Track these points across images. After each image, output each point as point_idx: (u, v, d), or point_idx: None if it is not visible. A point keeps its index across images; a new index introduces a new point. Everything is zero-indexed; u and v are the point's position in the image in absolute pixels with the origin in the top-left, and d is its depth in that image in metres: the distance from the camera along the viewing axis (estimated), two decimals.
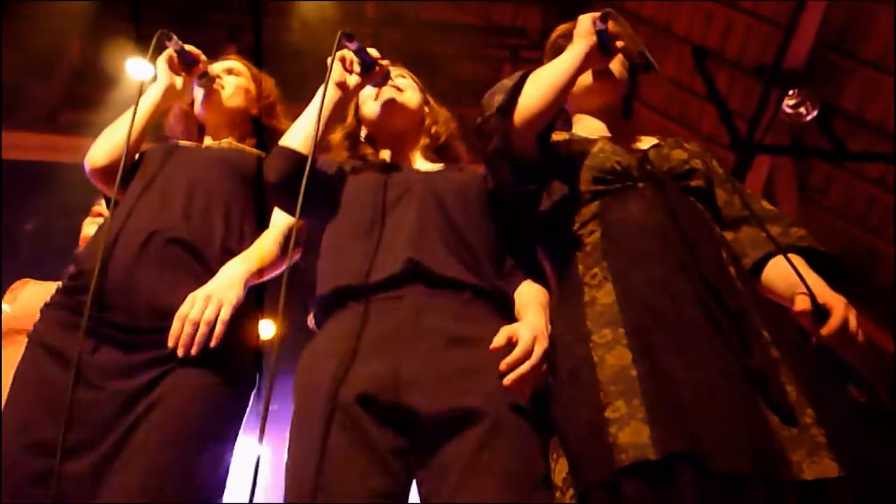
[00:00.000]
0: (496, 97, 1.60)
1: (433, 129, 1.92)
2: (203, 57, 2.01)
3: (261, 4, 5.18)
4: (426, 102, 1.98)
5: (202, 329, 1.56)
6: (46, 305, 1.69)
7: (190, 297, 1.60)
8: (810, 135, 4.62)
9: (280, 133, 1.84)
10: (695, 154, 1.69)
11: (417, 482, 1.41)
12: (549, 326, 1.53)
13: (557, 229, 1.66)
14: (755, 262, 1.62)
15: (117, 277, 1.62)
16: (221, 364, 1.60)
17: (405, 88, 1.89)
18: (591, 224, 1.60)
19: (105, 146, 1.87)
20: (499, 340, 1.43)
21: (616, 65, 1.77)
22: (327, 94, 1.71)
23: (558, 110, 1.63)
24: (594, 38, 1.61)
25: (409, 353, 1.46)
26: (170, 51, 1.95)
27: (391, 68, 1.88)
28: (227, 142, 2.03)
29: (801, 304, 1.46)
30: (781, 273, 1.55)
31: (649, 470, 1.21)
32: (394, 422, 1.41)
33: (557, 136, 1.74)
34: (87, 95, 5.36)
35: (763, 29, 4.69)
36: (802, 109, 4.34)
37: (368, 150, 1.93)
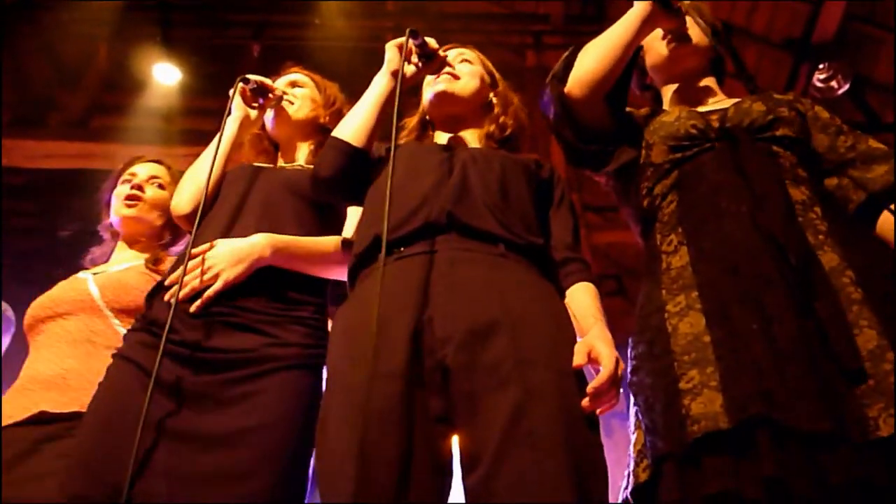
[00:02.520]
0: (555, 67, 1.64)
1: (501, 119, 1.89)
2: (273, 84, 2.05)
3: None
4: (493, 87, 1.95)
5: (188, 289, 1.64)
6: (130, 331, 1.72)
7: (206, 254, 1.68)
8: (843, 107, 4.52)
9: None
10: (782, 102, 1.64)
11: (458, 446, 1.36)
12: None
13: (641, 206, 1.65)
14: (860, 204, 1.58)
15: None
16: (309, 367, 1.64)
17: (462, 76, 1.87)
18: (671, 194, 1.59)
19: (189, 191, 1.92)
20: (580, 359, 1.39)
21: (694, 28, 1.75)
22: (381, 82, 1.75)
23: (619, 71, 1.62)
24: None
25: (443, 306, 1.42)
26: (241, 85, 1.99)
27: (458, 51, 1.91)
28: (300, 163, 2.05)
29: None
30: (891, 216, 1.53)
31: (724, 438, 1.20)
32: (435, 382, 1.37)
33: (639, 112, 1.74)
34: (116, 101, 5.43)
35: (791, 2, 4.60)
36: (834, 83, 4.25)
37: (430, 134, 1.94)
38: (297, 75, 2.17)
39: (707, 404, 1.23)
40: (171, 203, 1.96)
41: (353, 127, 1.72)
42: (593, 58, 1.60)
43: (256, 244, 1.71)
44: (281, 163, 2.10)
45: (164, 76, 5.06)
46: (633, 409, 1.46)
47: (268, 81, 2.04)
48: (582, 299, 1.59)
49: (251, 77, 1.99)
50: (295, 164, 2.06)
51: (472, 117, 1.89)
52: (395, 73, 1.73)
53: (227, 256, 1.68)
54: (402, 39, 1.73)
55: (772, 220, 1.41)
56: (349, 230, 1.84)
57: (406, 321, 1.41)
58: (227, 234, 1.76)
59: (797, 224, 1.42)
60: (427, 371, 1.38)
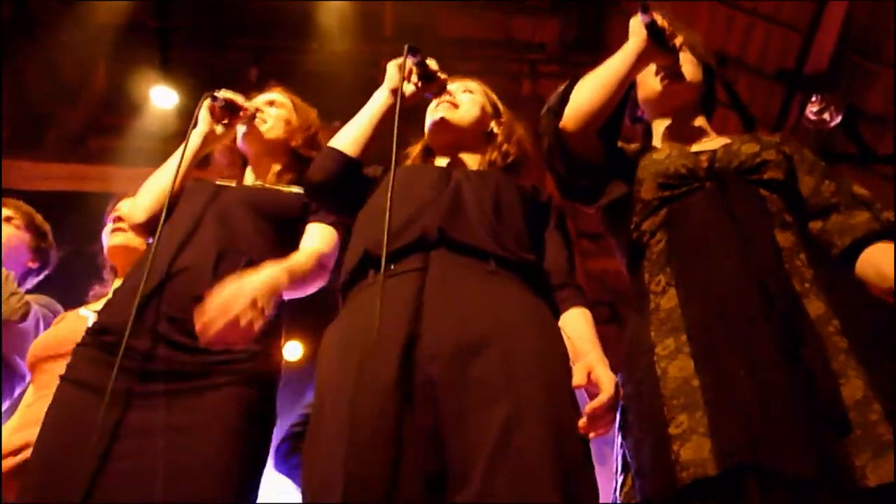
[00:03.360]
0: (550, 100, 1.66)
1: (504, 147, 1.89)
2: (245, 103, 2.03)
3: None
4: (496, 116, 1.96)
5: (235, 332, 1.50)
6: (78, 345, 1.71)
7: (236, 287, 1.53)
8: (836, 139, 4.56)
9: None
10: (771, 144, 1.66)
11: (446, 463, 1.35)
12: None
13: (629, 240, 1.67)
14: (843, 250, 1.59)
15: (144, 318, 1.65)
16: (261, 383, 1.65)
17: (462, 104, 1.89)
18: (660, 233, 1.60)
19: (145, 201, 1.91)
20: (579, 378, 1.41)
21: (688, 66, 1.77)
22: (380, 97, 1.77)
23: (613, 106, 1.64)
24: (644, 32, 1.62)
25: (434, 322, 1.43)
26: (208, 101, 1.99)
27: (461, 81, 1.93)
28: (261, 183, 2.04)
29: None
30: (872, 262, 1.54)
31: (713, 484, 1.20)
32: (425, 400, 1.37)
33: (630, 146, 1.76)
34: (113, 122, 5.43)
35: (783, 33, 4.64)
36: (826, 115, 4.28)
37: (432, 161, 1.94)
38: (277, 95, 2.16)
39: (696, 450, 1.24)
40: (128, 211, 1.96)
41: (348, 138, 1.74)
42: (589, 92, 1.62)
43: (275, 275, 1.63)
44: (248, 180, 2.08)
45: (162, 99, 5.07)
46: (619, 450, 1.47)
47: (238, 99, 2.02)
48: (577, 324, 1.60)
49: (219, 94, 1.98)
50: (257, 182, 2.05)
51: (471, 145, 1.90)
52: (394, 91, 1.75)
53: (261, 287, 1.56)
54: (402, 59, 1.75)
55: (760, 267, 1.42)
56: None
57: (396, 337, 1.41)
58: (184, 247, 1.75)
59: (784, 271, 1.43)
60: (417, 387, 1.37)
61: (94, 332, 1.69)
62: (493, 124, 1.94)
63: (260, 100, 2.12)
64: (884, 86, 4.44)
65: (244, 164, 2.15)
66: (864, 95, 4.53)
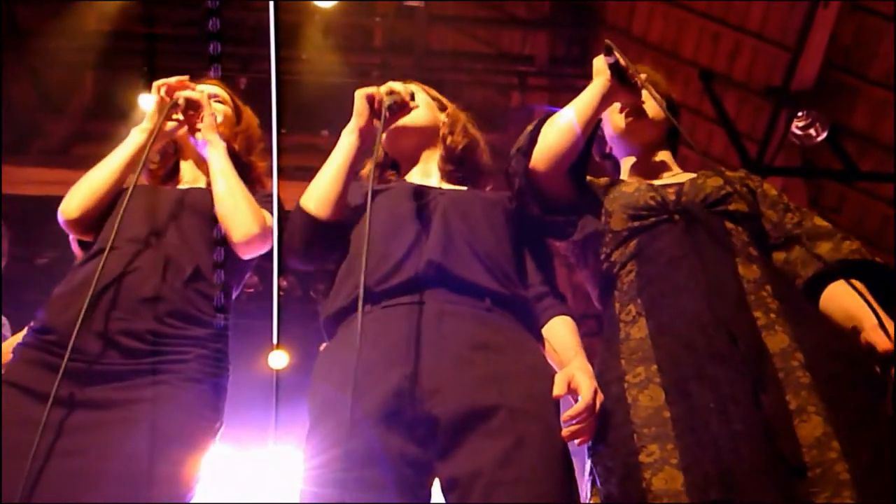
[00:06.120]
0: (519, 140, 1.67)
1: (448, 140, 1.88)
2: (201, 99, 1.98)
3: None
4: (443, 109, 1.96)
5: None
6: (20, 345, 1.68)
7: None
8: (821, 155, 4.60)
9: (255, 171, 1.98)
10: (734, 179, 1.71)
11: (443, 491, 1.40)
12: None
13: (599, 270, 1.69)
14: (807, 281, 1.62)
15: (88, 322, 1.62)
16: (204, 383, 1.65)
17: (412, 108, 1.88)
18: (630, 263, 1.62)
19: (80, 198, 1.86)
20: (559, 388, 1.42)
21: (650, 103, 1.80)
22: (349, 141, 1.71)
23: (580, 145, 1.66)
24: (608, 72, 1.64)
25: (430, 359, 1.44)
26: (157, 101, 1.95)
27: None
28: (201, 185, 2.01)
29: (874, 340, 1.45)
30: (835, 300, 1.57)
31: None
32: (416, 433, 1.40)
33: (599, 181, 1.78)
34: (99, 129, 5.41)
35: (770, 50, 4.69)
36: (812, 131, 4.33)
37: (392, 175, 1.94)
38: (218, 90, 2.13)
39: (668, 481, 1.26)
40: (61, 206, 1.88)
41: (319, 197, 1.68)
42: (556, 131, 1.64)
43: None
44: (185, 178, 2.05)
45: (149, 106, 5.04)
46: (587, 476, 1.48)
47: (196, 98, 1.97)
48: (561, 333, 1.62)
49: (181, 101, 1.94)
50: (196, 184, 2.02)
51: (428, 147, 1.90)
52: (362, 130, 1.71)
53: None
54: (372, 89, 1.71)
55: (725, 307, 1.45)
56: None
57: (392, 370, 1.43)
58: (129, 250, 1.74)
59: (749, 314, 1.46)
60: (409, 420, 1.40)
61: (35, 332, 1.67)
62: (442, 116, 1.94)
63: (205, 92, 2.04)
64: (868, 103, 4.49)
65: (175, 167, 2.10)
66: (849, 112, 4.57)
